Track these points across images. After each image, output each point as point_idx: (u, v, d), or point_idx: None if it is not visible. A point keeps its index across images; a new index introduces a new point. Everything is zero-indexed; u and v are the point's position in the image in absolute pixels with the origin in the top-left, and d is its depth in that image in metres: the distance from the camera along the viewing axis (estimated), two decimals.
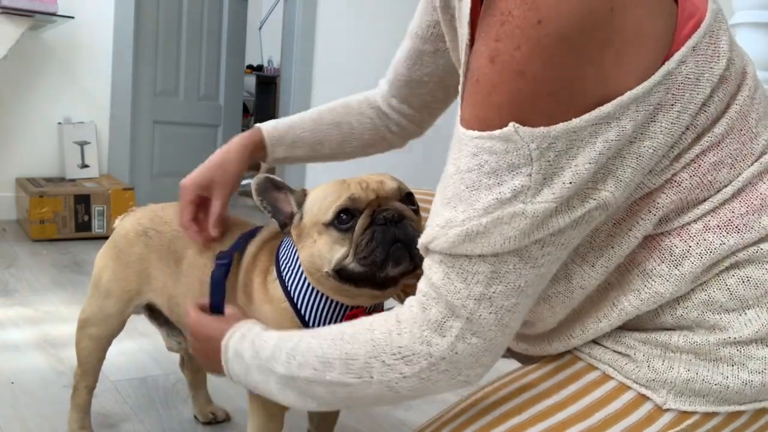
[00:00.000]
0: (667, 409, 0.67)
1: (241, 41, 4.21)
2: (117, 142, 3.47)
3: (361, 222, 0.86)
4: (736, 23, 1.59)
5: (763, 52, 1.56)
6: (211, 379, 1.51)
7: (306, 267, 0.90)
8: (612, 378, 0.70)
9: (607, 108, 0.58)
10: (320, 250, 0.87)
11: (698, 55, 0.62)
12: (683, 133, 0.63)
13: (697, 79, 0.61)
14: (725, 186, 0.65)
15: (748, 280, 0.65)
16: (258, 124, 1.06)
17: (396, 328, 0.69)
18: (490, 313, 0.64)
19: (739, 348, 0.65)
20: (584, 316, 0.71)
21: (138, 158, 3.68)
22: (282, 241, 0.98)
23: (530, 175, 0.59)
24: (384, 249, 0.84)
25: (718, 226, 0.65)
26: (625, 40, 0.58)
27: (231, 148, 1.02)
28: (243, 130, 4.63)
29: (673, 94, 0.61)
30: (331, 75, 4.17)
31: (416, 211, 0.91)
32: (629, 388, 0.68)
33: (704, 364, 0.65)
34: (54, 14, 2.86)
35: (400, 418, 1.47)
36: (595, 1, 0.56)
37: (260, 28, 7.15)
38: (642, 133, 0.60)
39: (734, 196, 0.66)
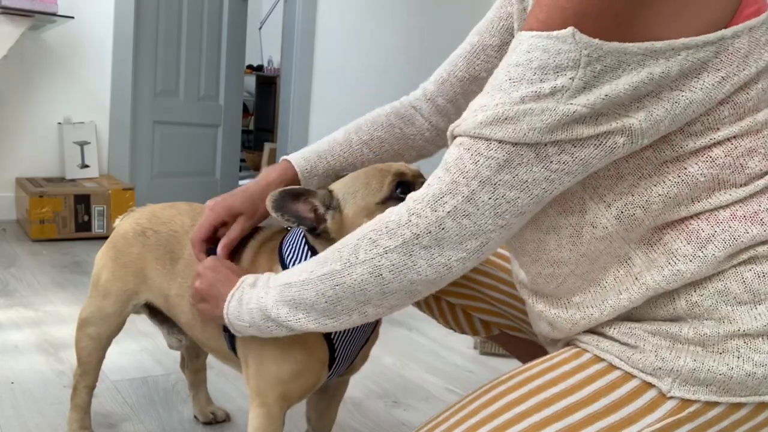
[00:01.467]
0: (670, 397, 0.69)
1: (241, 41, 4.21)
2: (117, 142, 3.47)
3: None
4: None
5: None
6: (212, 380, 1.51)
7: None
8: (617, 368, 0.72)
9: (659, 44, 0.63)
10: None
11: (753, 36, 0.66)
12: (721, 104, 0.67)
13: (746, 56, 0.66)
14: (756, 177, 0.69)
15: (764, 275, 0.68)
16: (287, 157, 1.04)
17: (389, 212, 0.73)
18: (490, 198, 0.67)
19: (746, 341, 0.67)
20: (606, 287, 0.73)
21: (138, 158, 3.68)
22: (283, 240, 0.97)
23: (573, 79, 0.63)
24: None
25: (744, 216, 0.69)
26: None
27: (266, 184, 1.01)
28: (243, 130, 4.57)
29: (721, 60, 0.65)
30: (331, 75, 4.17)
31: None
32: (634, 377, 0.71)
33: (711, 355, 0.68)
34: (54, 14, 2.86)
35: (400, 418, 1.47)
36: None
37: (260, 28, 7.15)
38: (684, 84, 0.65)
39: (764, 191, 0.70)
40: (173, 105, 3.85)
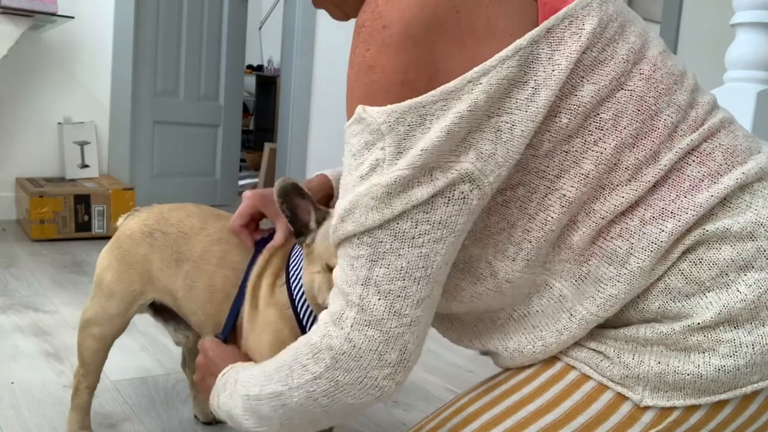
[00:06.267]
0: (647, 407, 0.66)
1: (241, 41, 4.21)
2: (117, 142, 3.47)
3: None
4: (736, 23, 1.59)
5: (763, 52, 1.56)
6: None
7: (305, 288, 0.90)
8: (590, 378, 0.69)
9: (452, 84, 0.61)
10: (320, 286, 0.86)
11: (553, 35, 0.64)
12: (555, 115, 0.64)
13: (550, 57, 0.63)
14: (637, 170, 0.66)
15: (700, 261, 0.65)
16: (324, 172, 1.06)
17: (312, 332, 0.71)
18: (379, 299, 0.65)
19: (706, 333, 0.64)
20: (542, 330, 0.71)
21: (138, 158, 3.68)
22: (294, 246, 0.97)
23: (383, 148, 0.63)
24: None
25: (653, 217, 0.66)
26: (476, 36, 0.62)
27: (305, 186, 1.02)
28: (243, 130, 4.57)
29: (525, 71, 0.63)
30: (331, 75, 4.17)
31: None
32: (608, 387, 0.68)
33: (675, 354, 0.65)
34: (54, 14, 2.86)
35: (400, 418, 1.48)
36: (438, 6, 0.61)
37: (260, 28, 7.15)
38: (499, 108, 0.63)
39: (659, 184, 0.66)
40: (173, 105, 3.85)
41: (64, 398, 1.42)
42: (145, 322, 1.86)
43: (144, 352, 1.73)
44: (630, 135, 0.66)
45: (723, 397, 0.64)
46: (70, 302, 2.09)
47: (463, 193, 0.63)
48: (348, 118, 0.67)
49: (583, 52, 0.64)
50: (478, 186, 0.63)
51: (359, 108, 0.64)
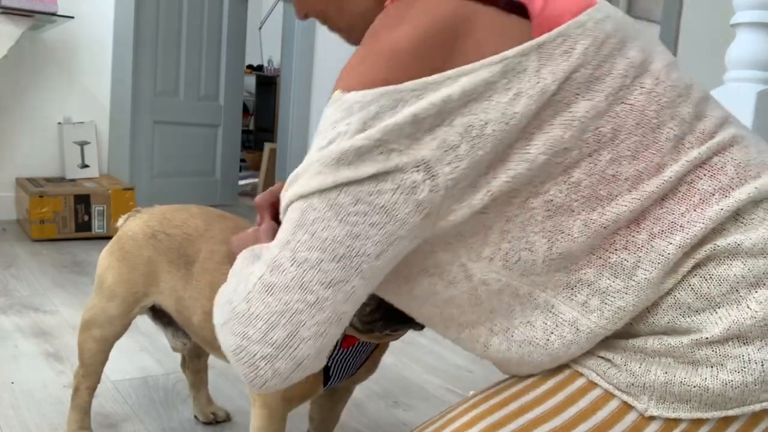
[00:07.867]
0: (652, 418, 0.65)
1: (241, 41, 4.21)
2: (117, 142, 3.47)
3: None
4: (736, 23, 1.59)
5: (763, 52, 1.56)
6: (212, 380, 1.51)
7: None
8: (597, 385, 0.68)
9: (432, 77, 0.62)
10: None
11: (543, 51, 0.64)
12: (549, 131, 0.64)
13: (538, 70, 0.63)
14: (638, 181, 0.65)
15: (710, 277, 0.64)
16: None
17: (238, 274, 0.70)
18: (291, 265, 0.63)
19: (714, 348, 0.63)
20: (540, 344, 0.70)
21: (138, 158, 3.68)
22: None
23: (349, 123, 0.63)
24: (385, 324, 0.85)
25: (662, 230, 0.65)
26: (466, 60, 0.64)
27: None
28: (243, 130, 4.61)
29: (509, 79, 0.63)
30: (331, 75, 4.17)
31: None
32: (613, 396, 0.67)
33: (683, 366, 0.64)
34: (54, 14, 2.86)
35: (400, 418, 1.48)
36: (435, 31, 0.64)
37: (260, 28, 7.15)
38: (476, 108, 0.62)
39: (668, 198, 0.66)
40: (173, 105, 3.85)
41: (64, 398, 1.42)
42: (145, 322, 1.86)
43: (144, 352, 1.73)
44: (628, 148, 0.65)
45: (731, 413, 0.63)
46: (70, 302, 2.09)
47: (415, 182, 0.62)
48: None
49: (574, 72, 0.64)
50: (432, 176, 0.62)
51: (336, 93, 0.64)
